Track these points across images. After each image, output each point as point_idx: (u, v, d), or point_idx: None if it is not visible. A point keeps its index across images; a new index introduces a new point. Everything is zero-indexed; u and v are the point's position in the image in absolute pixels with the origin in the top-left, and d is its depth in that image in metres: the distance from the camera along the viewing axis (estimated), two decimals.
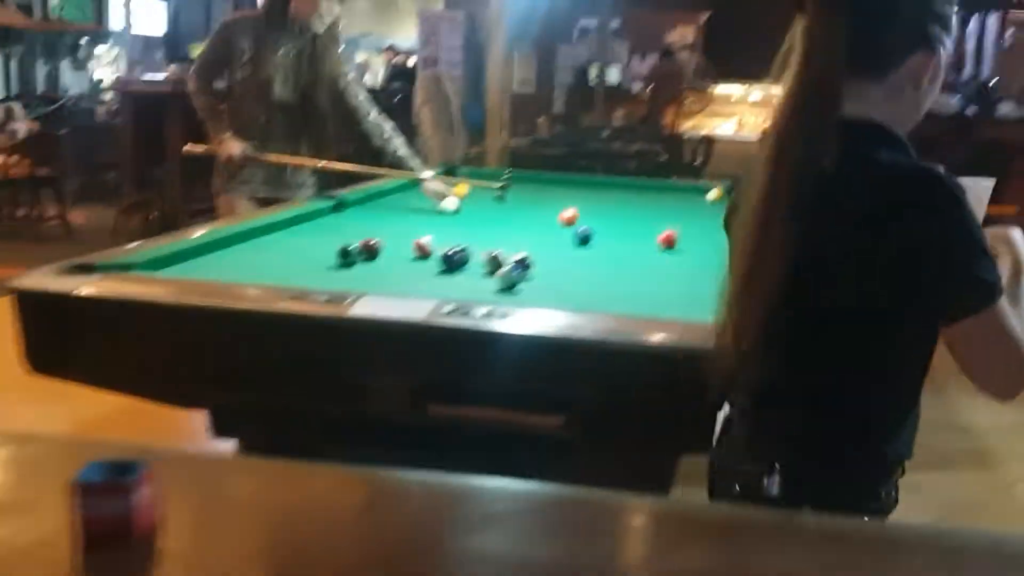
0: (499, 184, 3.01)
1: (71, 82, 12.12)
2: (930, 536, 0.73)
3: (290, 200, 3.00)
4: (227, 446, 1.92)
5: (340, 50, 3.10)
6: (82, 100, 10.15)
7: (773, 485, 1.16)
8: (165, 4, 12.85)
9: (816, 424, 1.17)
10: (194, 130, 3.46)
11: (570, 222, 2.72)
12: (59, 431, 3.33)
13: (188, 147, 3.23)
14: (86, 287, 1.64)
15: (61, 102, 9.54)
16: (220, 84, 3.16)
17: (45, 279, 1.67)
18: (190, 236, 2.17)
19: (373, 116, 3.17)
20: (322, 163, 3.08)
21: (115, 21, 11.65)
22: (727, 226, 1.30)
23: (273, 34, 2.98)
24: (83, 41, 12.52)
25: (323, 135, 3.14)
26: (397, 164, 3.14)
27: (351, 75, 3.17)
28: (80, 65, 12.47)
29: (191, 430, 1.77)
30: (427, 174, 3.07)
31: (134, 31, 10.40)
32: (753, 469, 1.18)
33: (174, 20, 13.41)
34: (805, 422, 1.17)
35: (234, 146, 3.01)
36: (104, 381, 1.73)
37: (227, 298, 1.60)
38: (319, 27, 2.98)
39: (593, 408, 1.49)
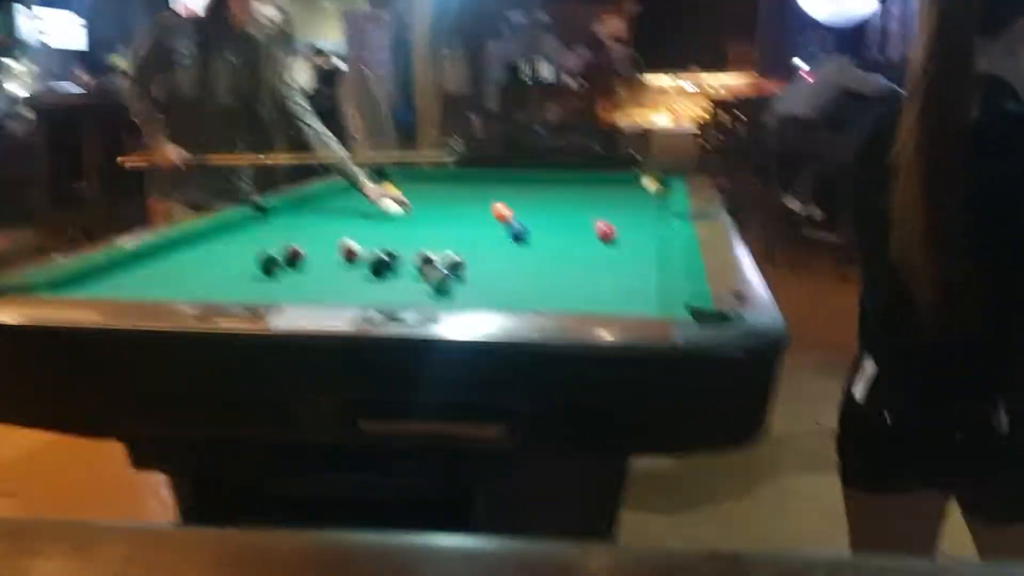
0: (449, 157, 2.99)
1: None
2: None
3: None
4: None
5: (288, 59, 3.07)
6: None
7: (1001, 422, 1.24)
8: (79, 17, 12.46)
9: None
10: (113, 141, 3.36)
11: (504, 219, 2.64)
12: None
13: (124, 159, 3.12)
14: None
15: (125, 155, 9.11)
16: (155, 89, 3.05)
17: None
18: (98, 252, 2.03)
19: (314, 126, 3.09)
20: (263, 158, 3.02)
21: (28, 35, 11.24)
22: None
23: (214, 39, 2.92)
24: None
25: (263, 141, 3.08)
26: (341, 174, 3.07)
27: (295, 86, 3.10)
28: None
29: (121, 462, 1.64)
30: (371, 186, 2.99)
31: (46, 41, 10.02)
32: (976, 408, 1.26)
33: (91, 32, 13.00)
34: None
35: (173, 153, 2.94)
36: (8, 415, 1.60)
37: (133, 318, 1.48)
38: (258, 34, 2.93)
39: (534, 414, 1.41)
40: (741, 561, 0.38)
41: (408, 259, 1.98)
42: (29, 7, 9.52)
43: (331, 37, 12.94)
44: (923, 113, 1.21)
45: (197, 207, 2.98)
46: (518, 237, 2.39)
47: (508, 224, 2.52)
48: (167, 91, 2.98)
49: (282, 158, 3.08)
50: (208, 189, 3.01)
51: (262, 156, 3.03)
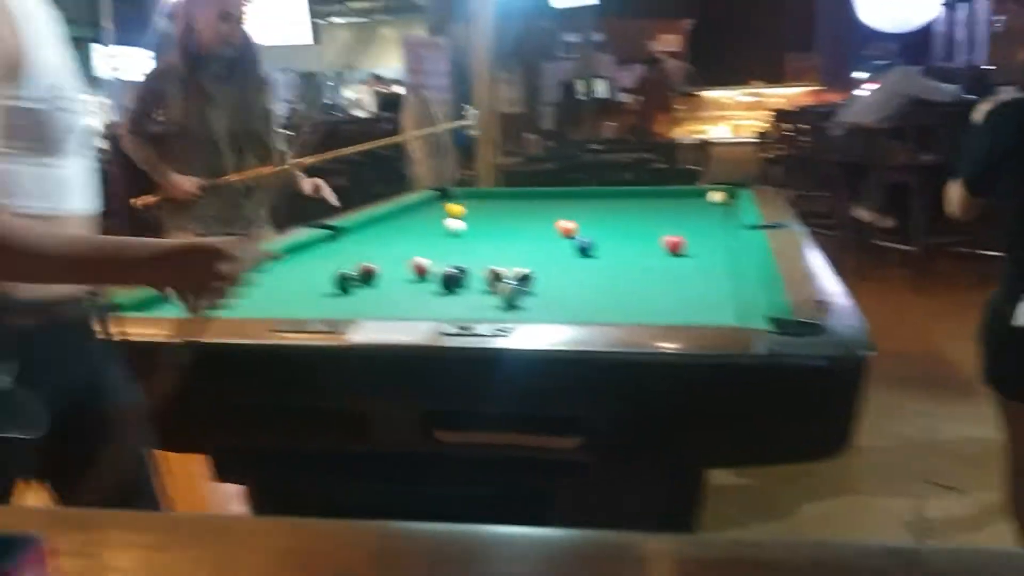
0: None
1: None
2: None
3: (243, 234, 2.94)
4: (233, 492, 1.84)
5: (263, 74, 3.09)
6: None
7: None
8: (152, 54, 12.90)
9: None
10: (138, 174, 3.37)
11: (569, 233, 2.64)
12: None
13: (139, 201, 3.13)
14: None
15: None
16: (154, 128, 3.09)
17: None
18: None
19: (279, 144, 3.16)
20: (278, 168, 3.03)
21: (100, 71, 11.69)
22: None
23: (196, 71, 2.94)
24: None
25: (266, 155, 3.09)
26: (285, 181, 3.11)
27: (271, 105, 3.15)
28: None
29: (200, 475, 1.68)
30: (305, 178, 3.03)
31: (123, 77, 10.40)
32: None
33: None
34: None
35: (184, 182, 2.97)
36: None
37: (217, 333, 1.52)
38: (229, 52, 2.93)
39: (610, 426, 1.40)
40: (921, 555, 0.37)
41: (477, 274, 2.00)
42: (106, 44, 9.89)
43: (391, 64, 13.19)
44: None
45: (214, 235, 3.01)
46: (585, 251, 2.39)
47: (573, 238, 2.52)
48: (166, 132, 3.03)
49: (294, 163, 3.12)
50: (224, 218, 3.02)
51: (278, 168, 3.05)
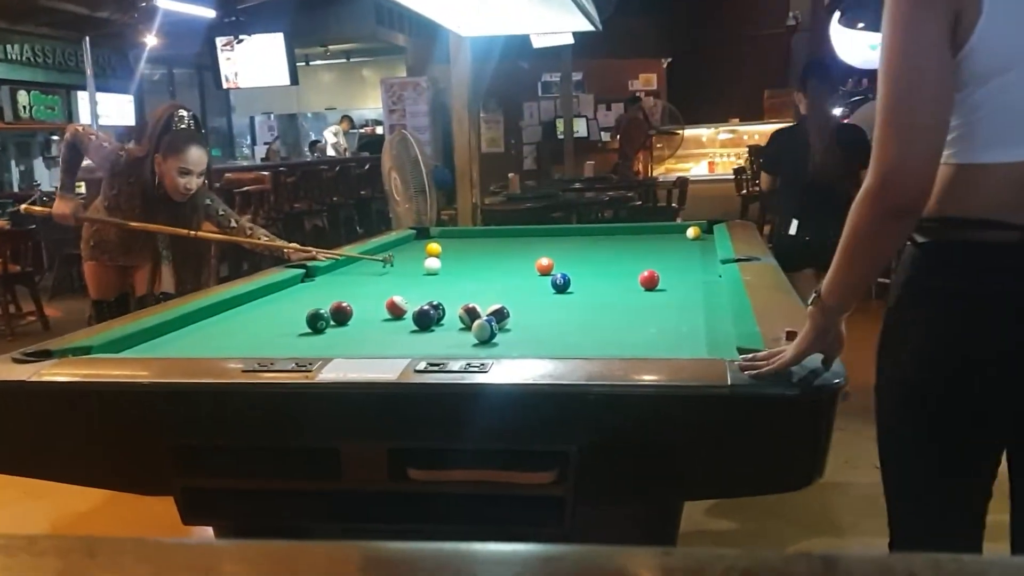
0: (382, 258, 3.08)
1: (46, 178, 12.15)
2: None
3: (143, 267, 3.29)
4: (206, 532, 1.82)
5: (206, 199, 3.31)
6: (55, 195, 10.11)
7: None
8: (132, 97, 12.99)
9: None
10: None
11: (546, 271, 2.65)
12: (36, 531, 3.19)
13: (25, 207, 3.48)
14: (40, 373, 1.54)
15: (33, 199, 9.48)
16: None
17: None
18: (151, 315, 2.08)
19: (240, 222, 3.38)
20: (193, 233, 3.22)
21: (84, 116, 11.74)
22: None
23: (147, 192, 3.21)
24: (55, 138, 12.60)
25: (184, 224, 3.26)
26: (268, 249, 3.31)
27: (215, 204, 3.36)
28: (53, 162, 12.53)
29: (174, 518, 1.65)
30: (297, 248, 3.17)
31: (102, 122, 10.44)
32: None
33: (141, 110, 13.52)
34: None
35: (65, 205, 3.21)
36: (65, 474, 1.63)
37: (186, 374, 1.51)
38: (180, 199, 3.19)
39: (584, 459, 1.40)
40: (833, 561, 0.37)
41: (453, 312, 2.00)
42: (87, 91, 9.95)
43: (371, 104, 13.30)
44: None
45: (120, 268, 3.34)
46: (559, 287, 2.40)
47: (550, 275, 2.53)
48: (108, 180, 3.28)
49: (211, 236, 3.34)
50: (126, 251, 3.31)
51: (193, 232, 3.24)
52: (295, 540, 0.61)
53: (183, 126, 3.23)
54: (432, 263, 2.88)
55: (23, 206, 3.50)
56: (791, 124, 4.63)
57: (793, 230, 3.79)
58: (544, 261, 2.71)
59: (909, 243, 1.39)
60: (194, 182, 3.16)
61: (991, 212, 1.29)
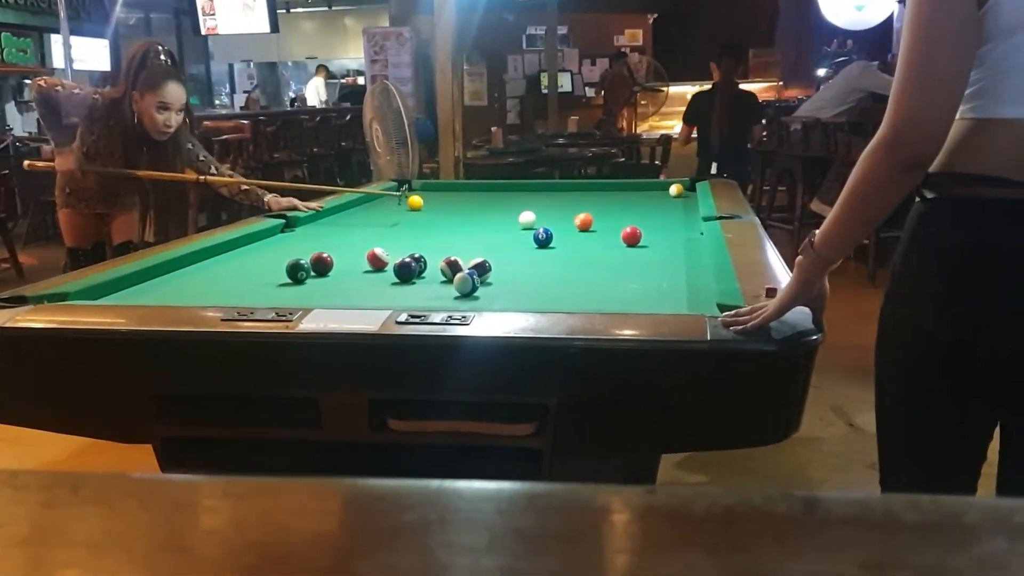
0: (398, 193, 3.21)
1: (19, 123, 11.93)
2: None
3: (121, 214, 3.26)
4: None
5: (188, 143, 3.27)
6: (28, 140, 9.94)
7: None
8: (107, 42, 12.73)
9: None
10: None
11: (585, 226, 2.63)
12: None
13: (28, 163, 3.47)
14: (16, 320, 1.53)
15: (5, 144, 9.31)
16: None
17: None
18: (129, 263, 2.06)
19: (220, 169, 3.36)
20: (203, 177, 3.22)
21: (58, 60, 11.49)
22: None
23: (127, 133, 3.15)
24: (27, 82, 12.35)
25: (168, 167, 3.25)
26: (247, 196, 3.25)
27: (197, 148, 3.32)
28: (26, 106, 12.29)
29: (151, 467, 1.65)
30: (276, 198, 3.14)
31: (76, 67, 10.22)
32: None
33: (116, 55, 13.27)
34: None
35: (66, 160, 3.19)
36: (43, 421, 1.62)
37: (165, 322, 1.50)
38: (160, 137, 3.14)
39: (564, 412, 1.41)
40: (813, 501, 0.38)
41: (435, 265, 1.99)
42: (62, 34, 9.71)
43: (352, 54, 13.10)
44: None
45: (98, 216, 3.30)
46: (541, 242, 2.39)
47: (532, 229, 2.52)
48: (88, 128, 3.20)
49: (216, 179, 3.30)
50: (106, 199, 3.26)
51: (202, 177, 3.24)
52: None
53: (159, 61, 3.16)
54: (527, 216, 2.72)
55: (26, 162, 3.46)
56: (708, 89, 5.76)
57: (714, 170, 5.33)
58: (527, 215, 2.69)
59: (917, 198, 1.39)
60: (173, 119, 3.11)
61: (1003, 169, 1.29)
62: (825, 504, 0.38)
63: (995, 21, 1.28)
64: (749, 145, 5.98)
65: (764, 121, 6.68)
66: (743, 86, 6.29)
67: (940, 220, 1.37)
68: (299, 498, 0.48)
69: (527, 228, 2.62)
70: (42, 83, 3.32)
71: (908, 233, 1.42)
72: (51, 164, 3.34)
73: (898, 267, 1.44)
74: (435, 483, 0.43)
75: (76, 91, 3.29)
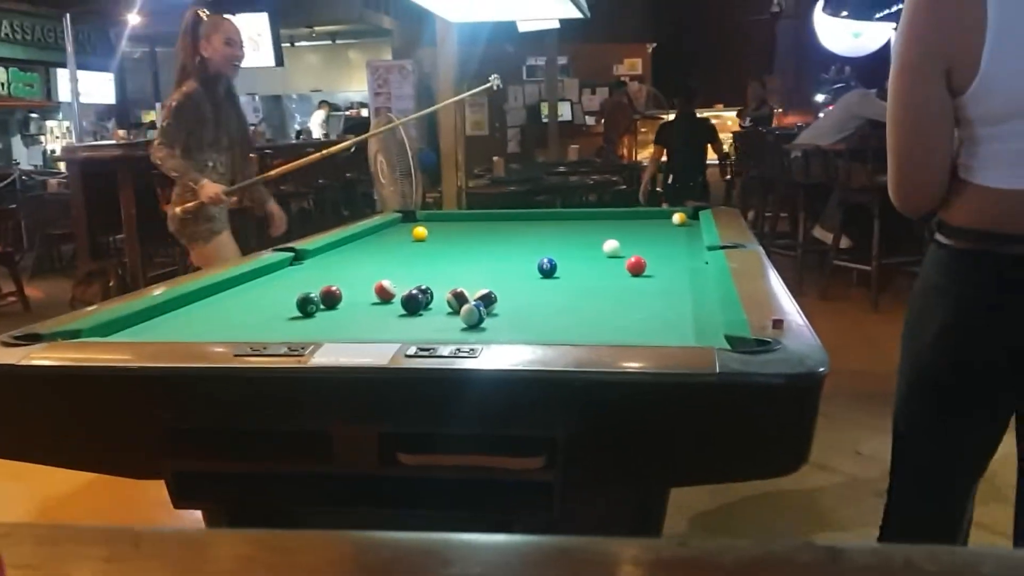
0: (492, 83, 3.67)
1: (24, 157, 12.02)
2: None
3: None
4: (194, 517, 1.82)
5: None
6: (35, 174, 10.02)
7: None
8: (112, 76, 12.85)
9: None
10: (147, 191, 3.89)
11: (638, 269, 2.42)
12: (14, 514, 3.19)
13: (179, 208, 3.56)
14: (30, 357, 1.54)
15: (11, 177, 9.38)
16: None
17: None
18: (140, 299, 2.07)
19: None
20: (274, 172, 3.88)
21: (64, 94, 11.59)
22: None
23: (209, 92, 3.54)
24: (34, 116, 12.45)
25: (242, 161, 3.79)
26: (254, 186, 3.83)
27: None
28: (32, 140, 12.39)
29: (156, 501, 1.66)
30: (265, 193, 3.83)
31: (83, 100, 10.32)
32: None
33: (121, 89, 13.40)
34: None
35: (213, 187, 3.49)
36: (55, 458, 1.63)
37: (179, 358, 1.51)
38: (231, 72, 3.57)
39: (572, 445, 1.41)
40: (837, 551, 0.39)
41: (441, 296, 2.01)
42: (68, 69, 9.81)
43: (356, 87, 13.22)
44: None
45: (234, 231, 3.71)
46: (546, 272, 2.41)
47: (619, 258, 2.47)
48: (189, 144, 3.55)
49: (287, 168, 4.08)
50: (228, 216, 3.69)
51: (274, 172, 3.92)
52: (285, 527, 0.62)
53: (206, 12, 3.53)
54: (611, 244, 2.69)
55: (178, 210, 3.55)
56: (671, 119, 7.30)
57: (673, 179, 6.94)
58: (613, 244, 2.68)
59: (934, 243, 1.57)
60: (240, 51, 3.50)
61: (1018, 228, 1.45)
62: (848, 554, 0.39)
63: (975, 111, 1.45)
64: (717, 158, 7.83)
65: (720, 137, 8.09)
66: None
67: (956, 268, 1.52)
68: (354, 550, 0.49)
69: (613, 256, 2.64)
70: (157, 142, 3.56)
71: (924, 276, 1.58)
72: (199, 201, 3.50)
73: (915, 307, 1.62)
74: (471, 537, 0.45)
75: (172, 102, 3.54)
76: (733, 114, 11.21)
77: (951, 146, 1.51)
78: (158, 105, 12.87)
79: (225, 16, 3.50)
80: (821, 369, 1.36)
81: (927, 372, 1.59)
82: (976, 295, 1.50)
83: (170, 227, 3.66)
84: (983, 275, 1.49)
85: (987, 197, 1.48)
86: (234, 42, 3.50)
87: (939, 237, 1.56)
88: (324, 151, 4.10)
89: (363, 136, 4.82)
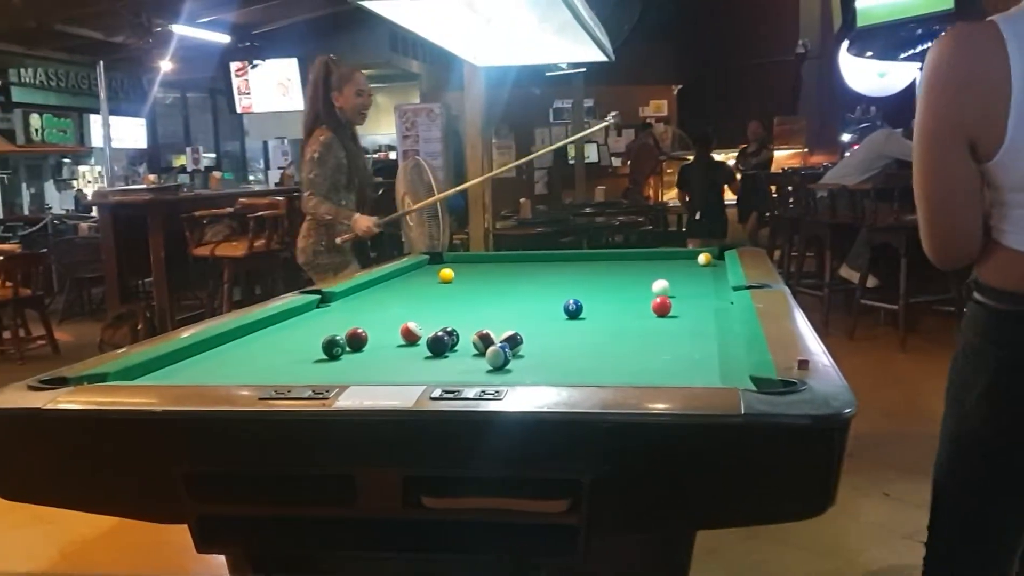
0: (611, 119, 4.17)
1: (56, 201, 12.26)
2: None
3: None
4: (218, 561, 1.82)
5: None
6: (66, 218, 10.20)
7: None
8: (144, 121, 13.12)
9: None
10: (177, 237, 4.01)
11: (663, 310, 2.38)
12: (39, 558, 3.20)
13: (339, 240, 3.84)
14: (56, 401, 1.56)
15: (43, 222, 9.56)
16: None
17: (12, 396, 1.58)
18: (167, 342, 2.10)
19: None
20: (417, 205, 4.49)
21: (96, 139, 11.83)
22: None
23: (342, 137, 3.84)
24: (66, 161, 12.72)
25: (364, 199, 4.04)
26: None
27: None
28: (64, 185, 12.64)
29: (180, 546, 1.66)
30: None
31: (115, 145, 10.53)
32: None
33: (153, 134, 13.66)
34: None
35: (366, 221, 3.80)
36: (80, 502, 1.64)
37: (202, 401, 1.52)
38: (359, 120, 3.90)
39: (598, 488, 1.40)
40: None
41: (467, 338, 2.01)
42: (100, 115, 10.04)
43: (384, 130, 13.38)
44: None
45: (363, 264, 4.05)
46: (572, 313, 2.41)
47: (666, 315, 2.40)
48: (328, 187, 3.84)
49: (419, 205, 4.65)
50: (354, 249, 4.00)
51: (416, 206, 4.41)
52: (308, 571, 0.61)
53: (336, 64, 3.82)
54: (660, 284, 2.61)
55: (337, 240, 3.84)
56: (690, 162, 8.11)
57: (698, 216, 7.58)
58: (657, 301, 2.40)
59: (975, 303, 1.58)
60: (369, 101, 3.84)
61: None
62: None
63: (1002, 178, 1.47)
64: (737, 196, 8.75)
65: (738, 177, 8.85)
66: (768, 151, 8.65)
67: (998, 330, 1.53)
68: None
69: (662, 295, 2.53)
70: (309, 192, 3.83)
71: (964, 336, 1.59)
72: (355, 233, 3.82)
73: (957, 368, 1.62)
74: None
75: (314, 154, 3.79)
76: (733, 157, 11.05)
77: (979, 209, 1.52)
78: (188, 149, 13.11)
79: (354, 70, 3.81)
80: (847, 410, 1.34)
81: (972, 435, 1.58)
82: (1016, 357, 1.49)
83: (299, 259, 3.95)
84: (1021, 336, 1.49)
85: (1019, 261, 1.49)
86: (364, 92, 3.81)
87: (976, 296, 1.56)
88: (484, 175, 4.83)
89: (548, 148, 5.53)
